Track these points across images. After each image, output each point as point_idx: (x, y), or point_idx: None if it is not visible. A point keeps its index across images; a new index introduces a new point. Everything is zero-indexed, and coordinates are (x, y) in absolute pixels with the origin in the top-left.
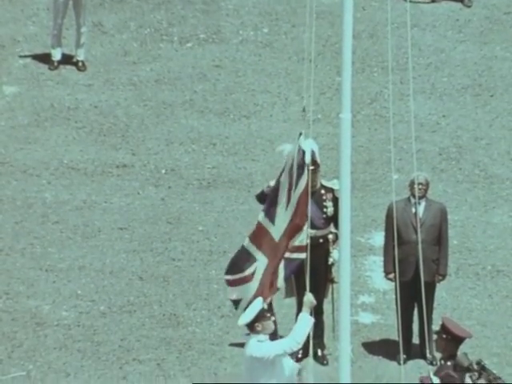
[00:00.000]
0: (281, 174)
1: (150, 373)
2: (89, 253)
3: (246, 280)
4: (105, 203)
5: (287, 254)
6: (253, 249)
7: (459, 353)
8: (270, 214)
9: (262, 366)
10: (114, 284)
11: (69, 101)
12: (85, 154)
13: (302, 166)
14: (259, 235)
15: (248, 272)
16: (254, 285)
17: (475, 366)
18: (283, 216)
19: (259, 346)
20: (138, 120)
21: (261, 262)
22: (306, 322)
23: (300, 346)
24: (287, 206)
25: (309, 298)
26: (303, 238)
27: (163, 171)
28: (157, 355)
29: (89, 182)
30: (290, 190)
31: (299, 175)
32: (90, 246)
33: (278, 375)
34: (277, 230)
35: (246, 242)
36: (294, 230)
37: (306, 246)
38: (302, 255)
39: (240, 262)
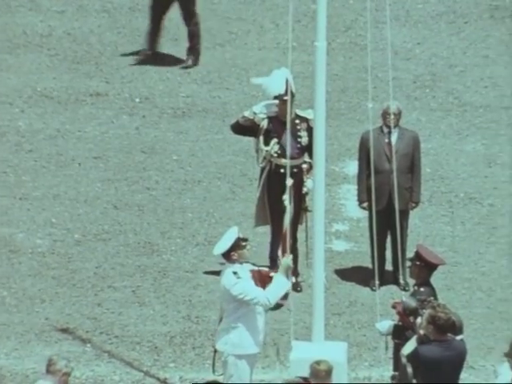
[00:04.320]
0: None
1: (125, 300)
2: (63, 182)
3: None
4: (78, 132)
5: None
6: None
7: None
8: None
9: (233, 299)
10: (89, 212)
11: (41, 28)
12: (58, 81)
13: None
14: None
15: None
16: None
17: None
18: None
19: (234, 280)
20: (111, 48)
21: None
22: (282, 284)
23: (270, 306)
24: None
25: (286, 261)
26: None
27: (137, 100)
28: (132, 282)
29: (62, 110)
30: None
31: None
32: (64, 175)
33: (250, 310)
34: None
35: None
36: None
37: None
38: None
39: None
